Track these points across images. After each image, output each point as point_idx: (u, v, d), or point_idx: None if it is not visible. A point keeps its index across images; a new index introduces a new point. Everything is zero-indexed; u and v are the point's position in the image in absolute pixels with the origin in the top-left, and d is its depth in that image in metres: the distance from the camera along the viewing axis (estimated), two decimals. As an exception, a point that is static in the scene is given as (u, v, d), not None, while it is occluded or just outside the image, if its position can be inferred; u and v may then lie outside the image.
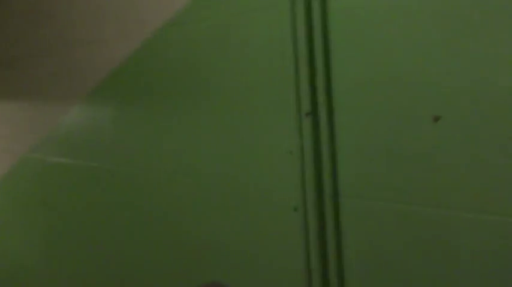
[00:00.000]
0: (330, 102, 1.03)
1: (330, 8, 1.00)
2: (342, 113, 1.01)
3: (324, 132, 1.04)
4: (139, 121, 1.52)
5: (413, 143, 0.90)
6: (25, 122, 2.16)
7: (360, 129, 0.98)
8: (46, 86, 1.96)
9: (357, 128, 0.99)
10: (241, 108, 1.21)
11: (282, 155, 1.12)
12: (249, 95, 1.19)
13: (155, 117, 1.46)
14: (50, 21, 1.87)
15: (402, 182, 0.92)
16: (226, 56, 1.23)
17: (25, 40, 2.06)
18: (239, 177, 1.23)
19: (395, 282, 0.95)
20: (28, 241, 2.28)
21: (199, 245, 1.36)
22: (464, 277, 0.85)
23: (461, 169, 0.83)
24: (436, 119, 0.86)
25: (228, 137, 1.25)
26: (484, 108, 0.79)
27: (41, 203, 2.11)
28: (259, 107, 1.16)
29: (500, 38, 0.77)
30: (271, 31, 1.11)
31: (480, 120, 0.80)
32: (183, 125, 1.37)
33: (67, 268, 1.97)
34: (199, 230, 1.36)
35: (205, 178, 1.33)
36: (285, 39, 1.07)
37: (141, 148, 1.52)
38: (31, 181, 2.18)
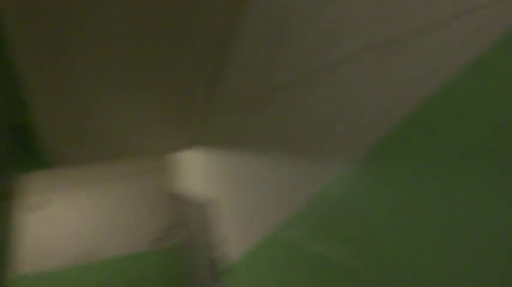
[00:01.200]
0: None
1: None
2: None
3: None
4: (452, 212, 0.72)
5: None
6: (276, 186, 1.65)
7: None
8: (298, 134, 1.39)
9: None
10: None
11: None
12: None
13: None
14: (296, 40, 1.30)
15: None
16: None
17: (266, 71, 1.55)
18: None
19: None
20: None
21: None
22: None
23: None
24: None
25: None
26: None
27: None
28: None
29: None
30: None
31: None
32: None
33: None
34: None
35: None
36: None
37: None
38: (281, 267, 1.63)
